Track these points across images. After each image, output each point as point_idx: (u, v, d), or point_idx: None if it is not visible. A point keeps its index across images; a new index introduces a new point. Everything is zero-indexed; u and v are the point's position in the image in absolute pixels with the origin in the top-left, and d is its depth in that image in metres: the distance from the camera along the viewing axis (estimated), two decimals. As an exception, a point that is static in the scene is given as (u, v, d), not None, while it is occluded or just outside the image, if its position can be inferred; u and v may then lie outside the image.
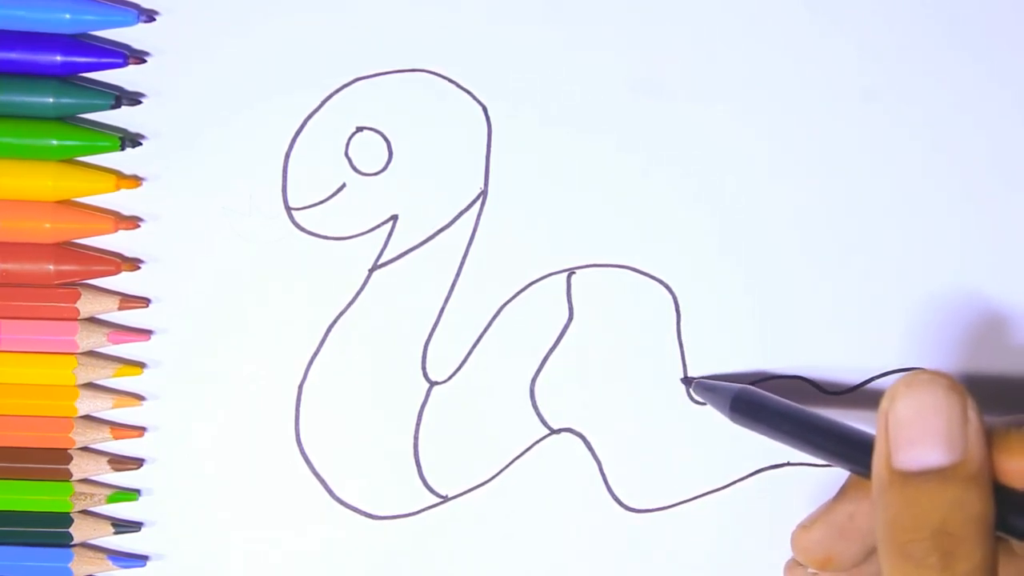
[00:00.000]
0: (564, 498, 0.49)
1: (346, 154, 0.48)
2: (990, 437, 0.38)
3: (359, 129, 0.48)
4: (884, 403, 0.38)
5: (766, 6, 0.48)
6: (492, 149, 0.48)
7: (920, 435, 0.37)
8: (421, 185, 0.48)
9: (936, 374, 0.38)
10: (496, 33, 0.48)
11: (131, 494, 0.48)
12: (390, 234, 0.48)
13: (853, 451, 0.41)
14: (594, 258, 0.49)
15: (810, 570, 0.46)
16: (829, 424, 0.43)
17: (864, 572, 0.45)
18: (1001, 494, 0.37)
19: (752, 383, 0.48)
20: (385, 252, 0.48)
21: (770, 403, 0.45)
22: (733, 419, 0.46)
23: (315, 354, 0.48)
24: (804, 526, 0.45)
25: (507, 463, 0.49)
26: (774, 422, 0.44)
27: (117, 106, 0.47)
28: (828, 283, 0.49)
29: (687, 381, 0.48)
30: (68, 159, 0.47)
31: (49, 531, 0.48)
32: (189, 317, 0.48)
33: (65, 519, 0.48)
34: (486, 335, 0.49)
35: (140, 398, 0.48)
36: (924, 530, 0.36)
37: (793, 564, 0.47)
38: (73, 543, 0.48)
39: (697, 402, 0.48)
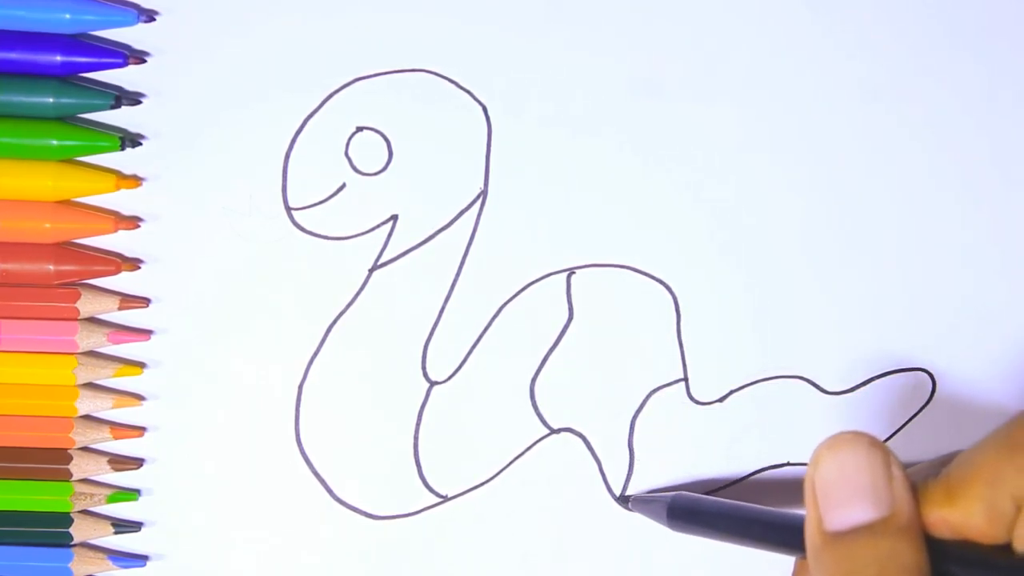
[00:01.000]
0: (564, 498, 0.49)
1: (346, 154, 0.48)
2: (914, 490, 0.38)
3: (359, 129, 0.48)
4: (809, 470, 0.38)
5: (767, 6, 0.48)
6: (492, 149, 0.48)
7: (847, 495, 0.38)
8: (421, 185, 0.48)
9: (856, 434, 0.38)
10: (496, 33, 0.48)
11: (131, 494, 0.48)
12: (390, 234, 0.48)
13: (790, 536, 0.42)
14: (594, 258, 0.49)
15: None
16: (763, 515, 0.43)
17: None
18: (933, 546, 0.37)
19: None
20: (385, 252, 0.48)
21: (704, 505, 0.45)
22: (672, 527, 0.46)
23: (315, 354, 0.48)
24: (801, 562, 0.45)
25: (507, 463, 0.49)
26: (710, 522, 0.45)
27: (117, 106, 0.47)
28: (828, 283, 0.49)
29: (622, 500, 0.49)
30: (68, 159, 0.47)
31: (49, 531, 0.48)
32: (189, 317, 0.48)
33: (65, 519, 0.48)
34: (486, 335, 0.49)
35: (140, 398, 0.48)
36: None
37: None
38: (73, 543, 0.48)
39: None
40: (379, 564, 0.49)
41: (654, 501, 0.47)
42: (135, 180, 0.48)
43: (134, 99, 0.47)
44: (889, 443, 0.49)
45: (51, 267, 0.47)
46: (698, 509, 0.45)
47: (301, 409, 0.49)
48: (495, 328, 0.49)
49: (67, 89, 0.46)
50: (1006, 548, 0.37)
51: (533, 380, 0.49)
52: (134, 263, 0.48)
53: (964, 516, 0.37)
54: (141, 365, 0.48)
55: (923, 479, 0.38)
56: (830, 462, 0.38)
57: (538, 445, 0.49)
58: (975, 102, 0.49)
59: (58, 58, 0.46)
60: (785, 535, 0.42)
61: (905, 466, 0.38)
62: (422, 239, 0.48)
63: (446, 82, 0.48)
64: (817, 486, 0.38)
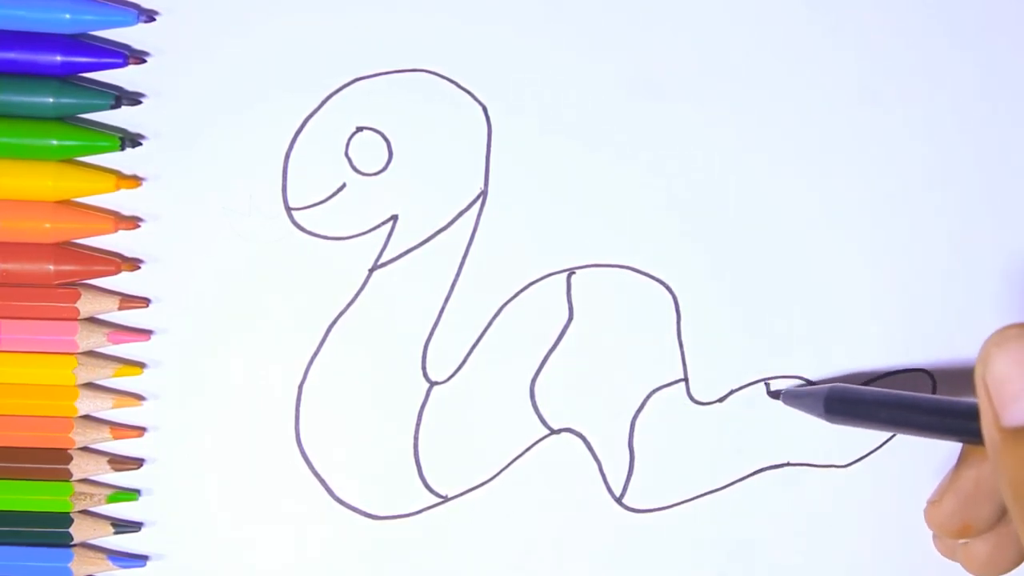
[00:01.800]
0: (564, 498, 0.49)
1: (346, 154, 0.48)
2: None
3: (359, 129, 0.48)
4: (978, 368, 0.38)
5: (767, 7, 0.48)
6: (492, 149, 0.48)
7: (1021, 389, 0.38)
8: (421, 185, 0.48)
9: (1022, 326, 0.38)
10: (496, 33, 0.48)
11: (131, 494, 0.48)
12: (390, 234, 0.48)
13: (959, 421, 0.42)
14: (594, 258, 0.49)
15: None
16: (927, 402, 0.43)
17: (1002, 531, 0.45)
18: None
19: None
20: (385, 252, 0.48)
21: (865, 395, 0.45)
22: (829, 419, 0.46)
23: (315, 354, 0.48)
24: (933, 501, 0.46)
25: (507, 463, 0.49)
26: (872, 412, 0.45)
27: (117, 106, 0.47)
28: (828, 283, 0.49)
29: (774, 394, 0.49)
30: (68, 159, 0.47)
31: (49, 531, 0.48)
32: (189, 317, 0.48)
33: (65, 519, 0.48)
34: (486, 335, 0.49)
35: (140, 398, 0.48)
36: None
37: (937, 538, 0.48)
38: (73, 543, 0.48)
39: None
40: (379, 564, 0.49)
41: (808, 395, 0.47)
42: (135, 180, 0.48)
43: (134, 99, 0.47)
44: (889, 443, 0.49)
45: (51, 267, 0.47)
46: (858, 398, 0.45)
47: (301, 409, 0.49)
48: (495, 328, 0.49)
49: (67, 89, 0.46)
50: None
51: (533, 380, 0.49)
52: (134, 263, 0.48)
53: None
54: (141, 365, 0.48)
55: None
56: (1000, 357, 0.38)
57: (538, 445, 0.49)
58: (975, 102, 0.49)
59: (58, 58, 0.46)
60: (952, 420, 0.42)
61: None
62: (422, 239, 0.48)
63: (446, 82, 0.48)
64: (989, 383, 0.38)
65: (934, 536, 0.48)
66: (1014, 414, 0.38)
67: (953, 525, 0.45)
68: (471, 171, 0.48)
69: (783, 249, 0.49)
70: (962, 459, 0.45)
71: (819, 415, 0.46)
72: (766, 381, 0.49)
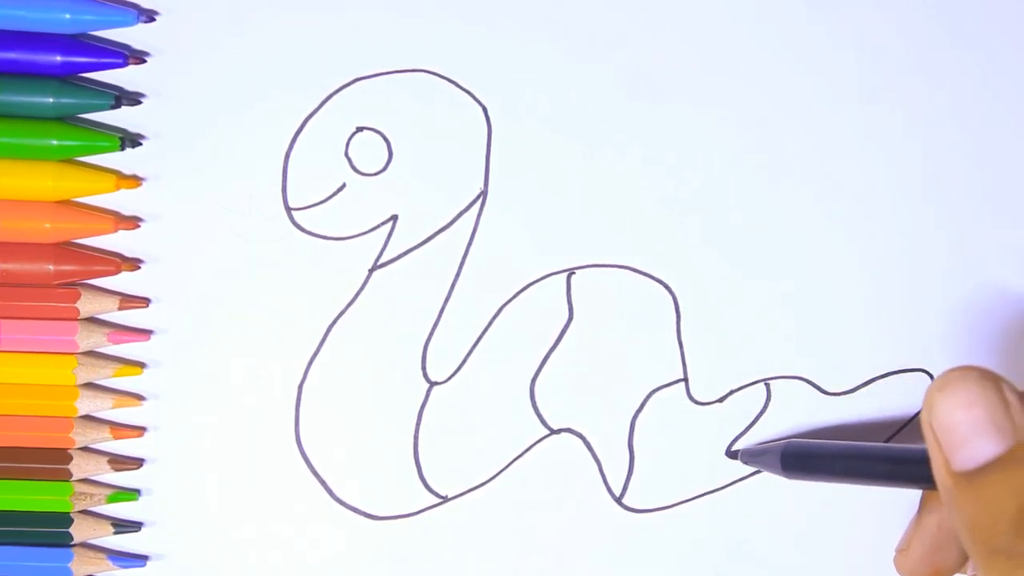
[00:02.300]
0: (564, 498, 0.49)
1: (346, 154, 0.48)
2: None
3: (359, 129, 0.48)
4: (924, 414, 0.38)
5: (767, 7, 0.48)
6: (492, 149, 0.48)
7: (968, 433, 0.37)
8: (421, 185, 0.48)
9: (963, 369, 0.38)
10: (496, 33, 0.48)
11: (131, 494, 0.48)
12: (390, 234, 0.48)
13: (913, 468, 0.42)
14: (594, 258, 0.49)
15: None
16: (882, 451, 0.43)
17: (973, 572, 0.45)
18: None
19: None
20: (385, 252, 0.48)
21: (820, 449, 0.46)
22: (788, 476, 0.46)
23: (315, 354, 0.48)
24: (901, 550, 0.46)
25: (507, 463, 0.49)
26: (828, 465, 0.45)
27: (117, 106, 0.47)
28: (828, 283, 0.49)
29: (732, 455, 0.49)
30: (68, 159, 0.47)
31: (49, 531, 0.48)
32: (189, 317, 0.48)
33: (65, 519, 0.48)
34: (486, 335, 0.49)
35: (140, 398, 0.48)
36: (1004, 521, 0.36)
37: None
38: (73, 543, 0.48)
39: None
40: (379, 564, 0.49)
41: (765, 452, 0.47)
42: (135, 180, 0.48)
43: (134, 99, 0.47)
44: (889, 443, 0.49)
45: (51, 267, 0.47)
46: (814, 453, 0.46)
47: (301, 409, 0.49)
48: (495, 328, 0.49)
49: (67, 89, 0.46)
50: None
51: (533, 380, 0.49)
52: (134, 263, 0.48)
53: None
54: (141, 365, 0.48)
55: None
56: (944, 401, 0.38)
57: (538, 445, 0.49)
58: (975, 102, 0.49)
59: (58, 58, 0.46)
60: (907, 467, 0.42)
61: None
62: (422, 239, 0.48)
63: (446, 82, 0.48)
64: (936, 430, 0.38)
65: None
66: (964, 458, 0.37)
67: (923, 571, 0.45)
68: (471, 171, 0.48)
69: (783, 249, 0.49)
70: (923, 505, 0.45)
71: (778, 472, 0.47)
72: (766, 381, 0.49)
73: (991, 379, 0.37)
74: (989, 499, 0.37)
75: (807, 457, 0.46)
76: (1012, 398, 0.37)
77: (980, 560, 0.37)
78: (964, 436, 0.37)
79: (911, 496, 0.49)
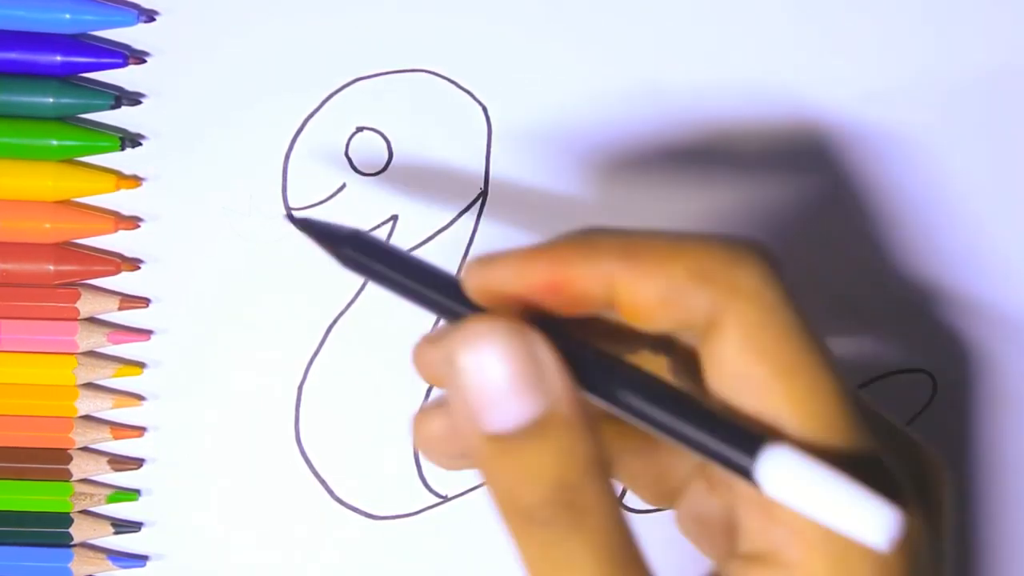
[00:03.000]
0: (564, 498, 0.49)
1: (346, 154, 0.48)
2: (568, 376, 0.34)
3: (359, 129, 0.48)
4: (447, 370, 0.34)
5: (768, 7, 0.48)
6: (492, 149, 0.48)
7: (498, 393, 0.34)
8: (421, 185, 0.48)
9: (491, 321, 0.34)
10: (496, 33, 0.48)
11: (131, 494, 0.48)
12: (390, 234, 0.48)
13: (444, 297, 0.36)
14: (594, 258, 0.49)
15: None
16: (432, 272, 0.37)
17: None
18: (616, 370, 0.34)
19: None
20: (385, 252, 0.48)
21: (382, 245, 0.39)
22: (344, 264, 0.40)
23: (315, 354, 0.48)
24: (421, 417, 0.38)
25: (507, 463, 0.49)
26: (382, 265, 0.38)
27: (117, 106, 0.47)
28: (827, 283, 0.49)
29: (289, 217, 0.45)
30: (68, 159, 0.47)
31: (49, 531, 0.48)
32: (189, 317, 0.48)
33: (65, 519, 0.48)
34: (486, 335, 0.49)
35: (140, 398, 0.48)
36: (541, 490, 0.34)
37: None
38: (73, 543, 0.48)
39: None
40: (379, 564, 0.49)
41: (330, 230, 0.40)
42: (135, 180, 0.48)
43: (134, 99, 0.47)
44: (889, 443, 0.50)
45: (51, 267, 0.47)
46: (371, 249, 0.39)
47: (301, 409, 0.49)
48: (495, 328, 0.49)
49: (67, 89, 0.46)
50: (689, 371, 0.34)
51: (533, 380, 0.49)
52: (134, 263, 0.48)
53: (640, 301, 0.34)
54: (141, 365, 0.48)
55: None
56: (471, 360, 0.34)
57: (538, 445, 0.49)
58: (975, 102, 0.49)
59: (58, 58, 0.46)
60: (441, 295, 0.36)
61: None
62: (422, 239, 0.48)
63: (446, 82, 0.48)
64: (463, 388, 0.34)
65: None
66: (495, 421, 0.34)
67: (445, 448, 0.38)
68: (471, 171, 0.48)
69: (783, 249, 0.49)
70: None
71: (332, 255, 0.40)
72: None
73: (523, 335, 0.34)
74: (525, 466, 0.34)
75: (367, 250, 0.39)
76: (545, 357, 0.34)
77: (516, 531, 0.34)
78: (494, 397, 0.34)
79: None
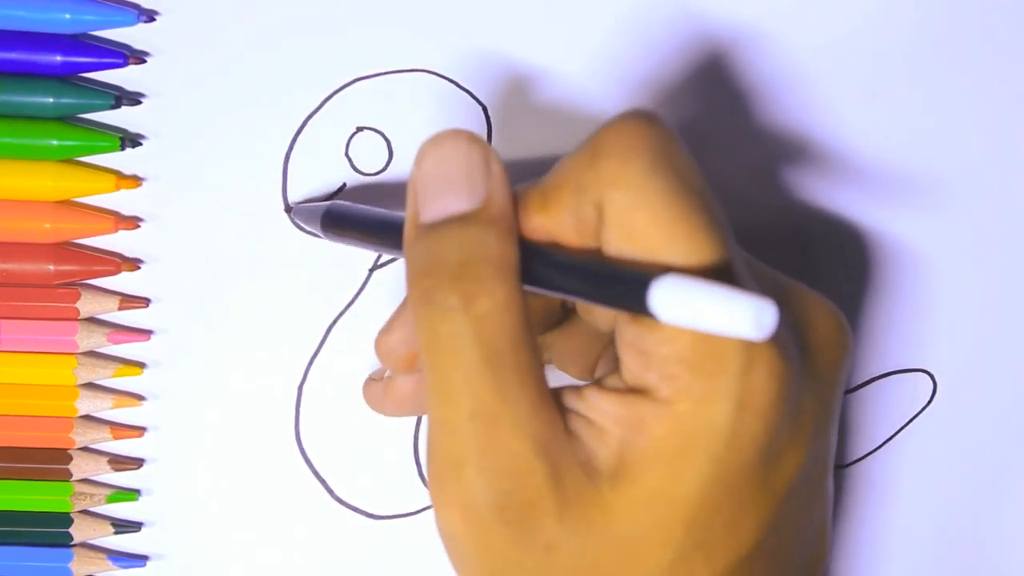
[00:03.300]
0: (564, 498, 0.49)
1: (346, 154, 0.48)
2: (516, 196, 0.38)
3: (359, 129, 0.48)
4: (412, 168, 0.38)
5: (768, 7, 0.48)
6: (492, 149, 0.48)
7: (442, 187, 0.38)
8: (421, 185, 0.48)
9: (457, 130, 0.38)
10: (496, 33, 0.48)
11: (131, 494, 0.48)
12: (390, 234, 0.48)
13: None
14: (594, 258, 0.49)
15: (387, 374, 0.45)
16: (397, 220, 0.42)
17: None
18: (526, 247, 0.37)
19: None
20: (385, 252, 0.48)
21: (358, 212, 0.45)
22: (328, 237, 0.46)
23: (315, 354, 0.48)
24: (384, 330, 0.43)
25: (507, 463, 0.49)
26: (362, 231, 0.44)
27: (117, 106, 0.47)
28: (827, 283, 0.49)
29: (288, 210, 0.48)
30: (68, 159, 0.47)
31: (49, 531, 0.48)
32: (189, 317, 0.48)
33: (65, 519, 0.48)
34: (486, 335, 0.49)
35: (140, 398, 0.48)
36: (443, 274, 0.36)
37: (369, 381, 0.47)
38: (73, 543, 0.48)
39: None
40: (379, 564, 0.49)
41: (313, 212, 0.46)
42: (135, 180, 0.48)
43: (134, 99, 0.47)
44: (889, 443, 0.49)
45: (51, 267, 0.47)
46: (352, 215, 0.45)
47: (301, 409, 0.49)
48: (495, 328, 0.49)
49: (67, 89, 0.46)
50: (596, 252, 0.37)
51: (533, 380, 0.49)
52: (134, 263, 0.48)
53: (555, 223, 0.38)
54: (141, 365, 0.48)
55: (525, 187, 0.39)
56: (430, 157, 0.38)
57: (538, 445, 0.49)
58: (975, 102, 0.49)
59: (58, 58, 0.46)
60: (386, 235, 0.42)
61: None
62: (422, 239, 0.48)
63: (446, 82, 0.48)
64: (416, 182, 0.38)
65: (364, 383, 0.47)
66: (431, 211, 0.38)
67: (400, 353, 0.43)
68: (471, 171, 0.48)
69: (782, 248, 0.49)
70: None
71: (318, 232, 0.46)
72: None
73: (480, 144, 0.38)
74: (436, 250, 0.37)
75: (345, 219, 0.45)
76: (496, 168, 0.38)
77: (414, 307, 0.37)
78: (438, 190, 0.38)
79: (916, 494, 0.49)
